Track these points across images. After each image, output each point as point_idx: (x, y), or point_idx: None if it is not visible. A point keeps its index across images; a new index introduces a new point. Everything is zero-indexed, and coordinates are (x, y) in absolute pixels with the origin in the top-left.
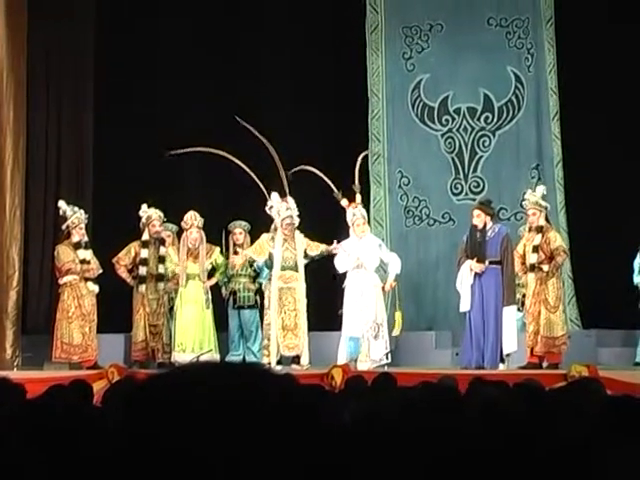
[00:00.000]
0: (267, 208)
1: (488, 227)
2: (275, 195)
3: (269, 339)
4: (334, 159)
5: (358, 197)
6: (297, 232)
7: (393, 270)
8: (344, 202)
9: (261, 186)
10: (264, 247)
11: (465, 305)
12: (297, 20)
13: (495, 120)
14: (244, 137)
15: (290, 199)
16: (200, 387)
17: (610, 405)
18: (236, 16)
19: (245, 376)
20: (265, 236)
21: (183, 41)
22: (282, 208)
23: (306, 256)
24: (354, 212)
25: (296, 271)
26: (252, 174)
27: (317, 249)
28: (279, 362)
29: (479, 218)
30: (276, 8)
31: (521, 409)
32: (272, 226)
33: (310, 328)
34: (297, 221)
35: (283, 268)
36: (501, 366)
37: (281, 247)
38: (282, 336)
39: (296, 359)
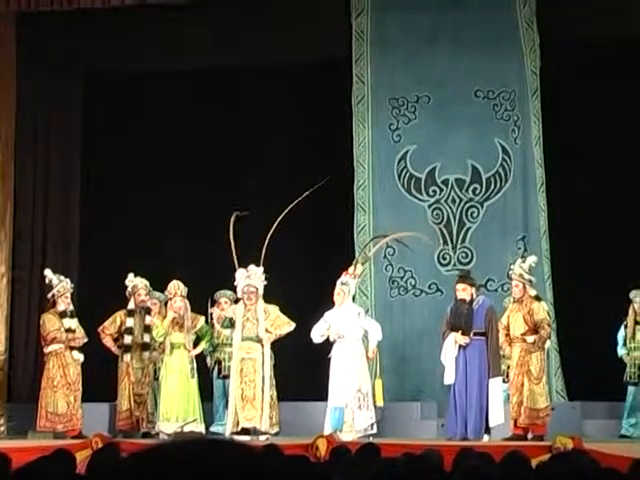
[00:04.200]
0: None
1: (473, 299)
2: (240, 269)
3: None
4: (319, 228)
5: (351, 268)
6: (260, 302)
7: (374, 337)
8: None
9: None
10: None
11: (449, 378)
12: (283, 91)
13: (483, 191)
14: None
15: (254, 268)
16: (187, 468)
17: (597, 478)
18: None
19: (233, 458)
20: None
21: (173, 118)
22: (242, 277)
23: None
24: (339, 281)
25: (257, 342)
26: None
27: (281, 328)
28: (241, 433)
29: (465, 292)
30: (263, 79)
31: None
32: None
33: (296, 398)
34: (259, 289)
35: (244, 339)
36: (486, 437)
37: (242, 318)
38: (241, 407)
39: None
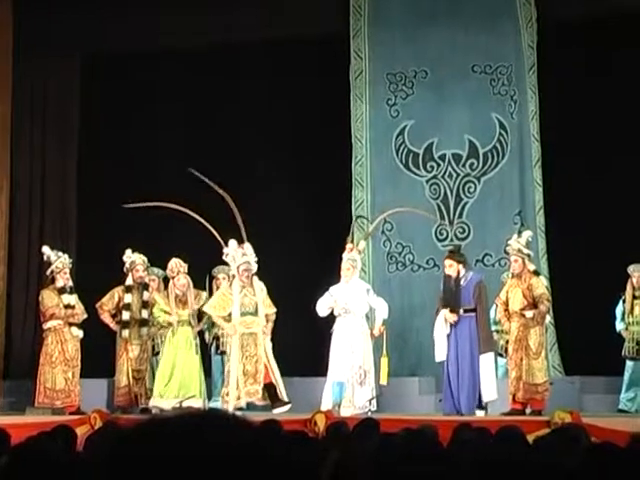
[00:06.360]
0: (224, 256)
1: (461, 275)
2: (232, 242)
3: (227, 386)
4: (318, 204)
5: (349, 245)
6: (255, 278)
7: (380, 315)
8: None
9: (216, 235)
10: (227, 299)
11: (440, 355)
12: (281, 67)
13: (480, 166)
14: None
15: (247, 245)
16: (185, 442)
17: (591, 452)
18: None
19: (232, 432)
20: (223, 288)
21: (171, 95)
22: (238, 254)
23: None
24: (347, 257)
25: (256, 316)
26: (207, 224)
27: (269, 309)
28: (242, 408)
29: (451, 268)
30: (261, 55)
31: (502, 456)
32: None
33: (295, 374)
34: (255, 267)
35: (243, 314)
36: (479, 413)
37: (239, 294)
38: (243, 382)
39: (278, 403)
